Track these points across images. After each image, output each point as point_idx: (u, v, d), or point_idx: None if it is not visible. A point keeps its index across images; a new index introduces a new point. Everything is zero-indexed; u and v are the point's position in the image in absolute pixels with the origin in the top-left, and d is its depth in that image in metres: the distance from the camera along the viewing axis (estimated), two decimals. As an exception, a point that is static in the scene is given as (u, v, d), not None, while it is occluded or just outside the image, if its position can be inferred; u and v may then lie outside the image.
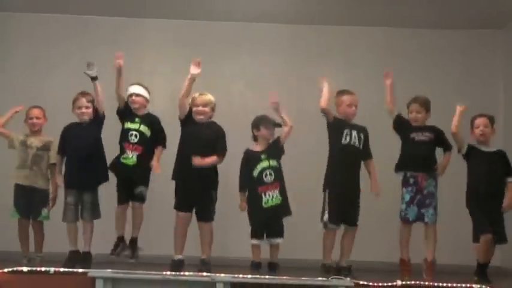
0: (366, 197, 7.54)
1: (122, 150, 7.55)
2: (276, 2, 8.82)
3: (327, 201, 7.42)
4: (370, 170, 7.56)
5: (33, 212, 7.70)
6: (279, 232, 7.49)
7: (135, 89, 7.64)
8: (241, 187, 7.53)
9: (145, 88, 7.70)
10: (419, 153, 7.44)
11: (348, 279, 6.72)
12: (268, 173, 7.42)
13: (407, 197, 7.42)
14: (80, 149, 7.48)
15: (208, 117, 7.50)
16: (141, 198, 7.52)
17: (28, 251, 7.75)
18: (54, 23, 9.23)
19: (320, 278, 6.69)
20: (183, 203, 7.37)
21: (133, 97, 7.61)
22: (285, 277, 6.68)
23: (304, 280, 6.62)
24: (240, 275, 6.64)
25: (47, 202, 7.72)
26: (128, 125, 7.57)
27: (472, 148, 7.40)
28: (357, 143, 7.47)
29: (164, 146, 7.60)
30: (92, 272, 6.59)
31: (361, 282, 6.65)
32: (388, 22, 9.04)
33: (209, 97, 7.51)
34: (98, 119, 7.61)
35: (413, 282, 6.75)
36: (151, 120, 7.62)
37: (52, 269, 6.63)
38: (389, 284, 6.65)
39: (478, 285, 6.77)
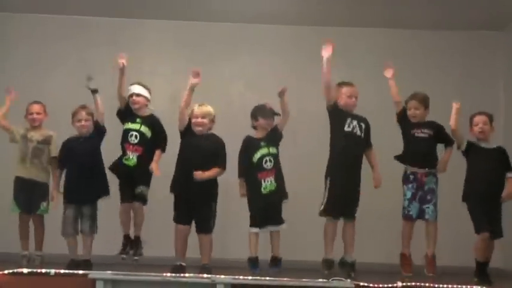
0: (366, 198, 7.55)
1: (124, 151, 7.54)
2: (275, 2, 8.82)
3: (327, 189, 7.43)
4: (372, 161, 7.58)
5: (33, 206, 7.72)
6: (278, 219, 7.53)
7: (136, 88, 7.63)
8: (240, 173, 7.57)
9: (146, 88, 7.68)
10: (419, 150, 7.49)
11: (349, 280, 6.72)
12: (268, 159, 7.47)
13: (408, 194, 7.46)
14: (80, 163, 7.49)
15: (208, 129, 7.47)
16: (142, 198, 7.51)
17: (27, 247, 7.76)
18: (54, 23, 9.22)
19: (320, 280, 6.69)
20: (182, 216, 7.35)
21: (134, 97, 7.60)
22: (285, 278, 6.68)
23: (305, 281, 6.62)
24: (241, 277, 6.64)
25: (46, 196, 7.74)
26: (129, 125, 7.56)
27: (472, 145, 7.41)
28: (358, 132, 7.49)
29: (163, 150, 7.57)
30: (93, 274, 6.59)
31: (361, 284, 6.65)
32: (389, 23, 9.03)
33: (208, 108, 7.48)
34: (98, 132, 7.60)
35: (413, 283, 6.73)
36: (153, 122, 7.61)
37: (52, 271, 6.64)
38: (390, 285, 6.64)
39: (479, 287, 6.78)
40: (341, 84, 7.59)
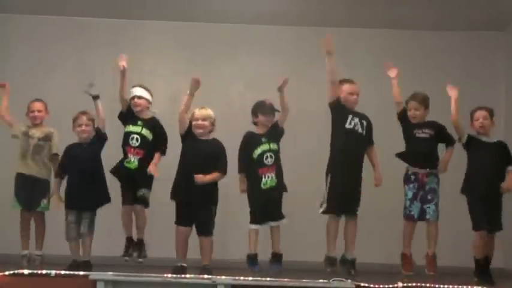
0: (367, 198, 7.55)
1: (125, 154, 7.54)
2: (275, 3, 8.82)
3: (328, 187, 7.43)
4: (373, 159, 7.59)
5: (33, 203, 7.74)
6: (278, 215, 7.54)
7: (137, 91, 7.64)
8: (240, 168, 7.59)
9: (148, 90, 7.68)
10: (420, 150, 7.50)
11: (349, 281, 6.70)
12: (269, 155, 7.51)
13: (410, 194, 7.47)
14: (81, 169, 7.48)
15: (208, 132, 7.46)
16: (144, 201, 7.52)
17: (28, 247, 7.78)
18: (54, 24, 9.23)
19: (321, 280, 6.67)
20: (183, 219, 7.34)
21: (136, 99, 7.60)
22: (285, 279, 6.67)
23: (305, 282, 6.60)
24: (241, 277, 6.62)
25: (47, 193, 7.75)
26: (130, 128, 7.57)
27: (472, 138, 7.43)
28: (360, 129, 7.49)
29: (163, 153, 7.57)
30: (93, 275, 6.58)
31: (362, 284, 6.63)
32: (389, 24, 9.03)
33: (209, 111, 7.47)
34: (99, 138, 7.60)
35: (414, 284, 6.73)
36: (154, 124, 7.62)
37: (53, 272, 6.62)
38: (391, 285, 6.62)
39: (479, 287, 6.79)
40: (342, 82, 7.59)
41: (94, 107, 7.56)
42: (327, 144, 7.57)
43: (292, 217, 7.76)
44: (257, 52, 9.26)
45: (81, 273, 6.70)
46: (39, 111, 7.85)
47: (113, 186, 7.63)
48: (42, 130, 7.85)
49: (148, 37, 9.29)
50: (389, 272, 7.62)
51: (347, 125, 7.45)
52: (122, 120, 7.66)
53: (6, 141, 7.99)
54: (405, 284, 6.67)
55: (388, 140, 7.72)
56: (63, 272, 6.71)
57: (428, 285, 6.69)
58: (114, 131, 7.70)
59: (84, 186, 7.43)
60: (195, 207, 7.29)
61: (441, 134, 7.55)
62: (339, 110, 7.51)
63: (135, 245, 7.58)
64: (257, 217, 7.50)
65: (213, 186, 7.40)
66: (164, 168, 7.51)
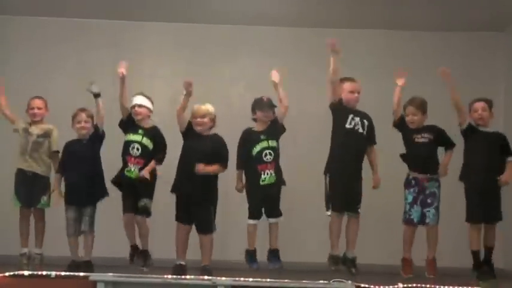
0: (367, 198, 7.54)
1: (125, 163, 7.52)
2: (275, 4, 8.81)
3: (327, 186, 7.43)
4: (372, 159, 7.58)
5: (33, 200, 7.75)
6: (277, 212, 7.55)
7: (138, 99, 7.61)
8: (238, 165, 7.61)
9: (149, 98, 7.66)
10: (419, 155, 7.50)
11: (349, 282, 6.70)
12: (268, 152, 7.51)
13: (410, 198, 7.48)
14: (80, 165, 7.54)
15: (209, 128, 7.51)
16: (145, 212, 7.48)
17: (27, 244, 7.78)
18: (54, 26, 9.22)
19: (321, 281, 6.67)
20: (182, 215, 7.39)
21: (136, 108, 7.58)
22: (286, 280, 6.66)
23: (305, 283, 6.60)
24: (241, 278, 6.62)
25: (47, 190, 7.77)
26: (130, 136, 7.55)
27: (472, 127, 7.48)
28: (360, 129, 7.47)
29: (159, 162, 7.55)
30: (93, 276, 6.58)
31: (362, 285, 6.62)
32: (389, 24, 9.03)
33: (207, 108, 7.51)
34: (97, 136, 7.66)
35: (414, 284, 6.73)
36: (154, 133, 7.59)
37: (53, 273, 6.63)
38: (391, 286, 6.62)
39: (480, 288, 6.82)
40: (343, 80, 7.58)
41: (93, 107, 7.58)
42: (326, 144, 7.57)
43: (293, 217, 7.77)
44: (257, 53, 9.26)
45: (82, 274, 6.71)
46: (39, 108, 7.87)
47: (113, 186, 7.63)
48: (41, 127, 7.86)
49: (148, 38, 9.29)
50: (389, 272, 7.62)
51: (347, 125, 7.44)
52: (123, 129, 7.65)
53: (6, 141, 8.01)
54: (405, 285, 6.66)
55: (388, 140, 7.71)
56: (63, 273, 6.73)
57: (428, 286, 6.68)
58: (113, 132, 7.70)
59: (83, 182, 7.49)
60: (194, 206, 7.33)
61: (440, 138, 7.55)
62: (340, 110, 7.49)
63: (139, 254, 7.56)
64: (255, 212, 7.51)
65: (212, 185, 7.44)
66: (164, 169, 7.52)
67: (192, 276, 6.77)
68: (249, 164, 7.56)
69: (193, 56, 9.12)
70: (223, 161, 7.46)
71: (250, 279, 6.64)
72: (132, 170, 7.48)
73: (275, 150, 7.56)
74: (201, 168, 7.31)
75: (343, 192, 7.38)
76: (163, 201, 7.58)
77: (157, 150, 7.56)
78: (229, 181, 7.59)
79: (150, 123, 7.67)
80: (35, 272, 6.71)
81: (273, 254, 7.58)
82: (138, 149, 7.50)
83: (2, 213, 8.09)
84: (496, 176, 7.36)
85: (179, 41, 9.25)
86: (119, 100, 7.60)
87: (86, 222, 7.49)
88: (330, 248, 7.45)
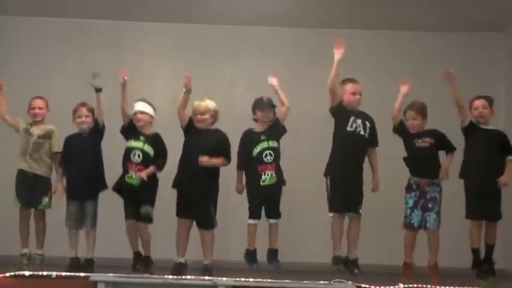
0: (368, 198, 7.53)
1: (126, 170, 7.49)
2: (275, 5, 8.81)
3: (328, 188, 7.42)
4: (372, 161, 7.56)
5: (34, 201, 7.75)
6: (277, 213, 7.55)
7: (140, 106, 7.58)
8: (239, 165, 7.62)
9: (151, 105, 7.63)
10: (420, 159, 7.48)
11: (350, 282, 6.71)
12: (268, 153, 7.50)
13: (410, 202, 7.46)
14: (81, 159, 7.58)
15: (210, 124, 7.52)
16: (147, 219, 7.45)
17: (27, 245, 7.77)
18: (54, 26, 9.22)
19: (322, 282, 6.67)
20: (183, 210, 7.42)
21: (138, 115, 7.54)
22: (286, 280, 6.66)
23: (306, 283, 6.61)
24: (242, 279, 6.62)
25: (48, 191, 7.78)
26: (132, 143, 7.51)
27: (472, 124, 7.49)
28: (362, 131, 7.45)
29: (159, 168, 7.50)
30: (94, 276, 6.58)
31: (363, 286, 6.63)
32: (389, 25, 9.03)
33: (207, 104, 7.52)
34: (97, 129, 7.68)
35: (415, 285, 6.73)
36: (155, 140, 7.54)
37: (54, 273, 6.63)
38: (392, 287, 6.63)
39: (479, 288, 6.83)
40: (345, 81, 7.56)
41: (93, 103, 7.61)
42: (326, 144, 7.56)
43: (293, 217, 7.76)
44: (257, 53, 9.26)
45: (82, 274, 6.71)
46: (40, 108, 7.87)
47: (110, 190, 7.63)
48: (42, 128, 7.86)
49: (148, 39, 9.29)
50: (390, 273, 7.62)
51: (348, 128, 7.42)
52: (124, 135, 7.62)
53: (6, 141, 8.01)
54: (406, 286, 6.67)
55: (388, 140, 7.70)
56: (64, 274, 6.73)
57: (429, 286, 6.70)
58: (113, 132, 7.71)
59: (84, 176, 7.54)
60: (195, 201, 7.34)
61: (441, 142, 7.53)
62: (341, 113, 7.47)
63: (142, 261, 7.53)
64: (255, 212, 7.51)
65: (214, 181, 7.47)
66: (165, 171, 7.52)
67: (193, 277, 6.77)
68: (250, 164, 7.55)
69: (193, 56, 9.13)
70: (226, 155, 7.49)
71: (251, 280, 6.64)
72: (133, 176, 7.45)
73: (275, 150, 7.55)
74: (205, 160, 7.33)
75: (344, 193, 7.36)
76: (163, 201, 7.57)
77: (157, 157, 7.53)
78: (230, 180, 7.59)
79: (151, 129, 7.64)
80: (36, 273, 6.71)
81: (272, 254, 7.58)
82: (139, 156, 7.46)
83: (3, 214, 8.08)
84: (495, 174, 7.36)
85: (179, 41, 9.25)
86: (120, 106, 7.57)
87: (90, 218, 7.54)
88: (333, 248, 7.42)
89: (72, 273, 6.78)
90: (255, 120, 7.68)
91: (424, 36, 9.16)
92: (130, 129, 7.58)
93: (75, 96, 7.98)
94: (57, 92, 8.78)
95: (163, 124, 7.76)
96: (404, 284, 6.70)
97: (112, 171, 7.70)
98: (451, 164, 7.50)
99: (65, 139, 7.75)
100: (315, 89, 8.46)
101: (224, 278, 6.60)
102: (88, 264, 7.45)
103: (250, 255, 7.54)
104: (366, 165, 7.55)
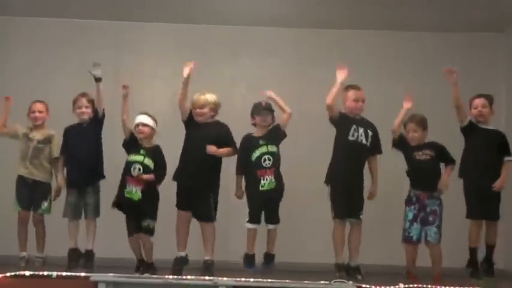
0: (367, 199, 7.54)
1: (124, 185, 7.42)
2: (275, 5, 8.80)
3: (329, 196, 7.43)
4: (372, 169, 7.54)
5: (33, 205, 7.77)
6: (276, 218, 7.55)
7: (142, 118, 7.53)
8: (238, 170, 7.63)
9: (152, 118, 7.58)
10: (421, 172, 7.48)
11: (351, 282, 6.71)
12: (267, 158, 7.49)
13: (410, 215, 7.44)
14: (80, 149, 7.61)
15: (210, 117, 7.54)
16: (149, 231, 7.40)
17: (25, 248, 7.79)
18: (54, 26, 9.21)
19: (322, 282, 6.67)
20: (182, 202, 7.43)
21: (140, 127, 7.50)
22: (287, 280, 6.66)
23: (307, 283, 6.61)
24: (243, 279, 6.63)
25: (48, 195, 7.79)
26: (132, 157, 7.44)
27: (472, 124, 7.49)
28: (364, 140, 7.43)
29: (157, 180, 7.45)
30: (94, 276, 6.57)
31: (363, 286, 6.64)
32: (389, 25, 9.02)
33: (206, 97, 7.54)
34: (97, 119, 7.71)
35: (415, 285, 6.73)
36: (155, 153, 7.48)
37: (54, 273, 6.63)
38: (392, 287, 6.63)
39: (480, 288, 6.84)
40: (347, 88, 7.53)
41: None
42: (326, 144, 7.57)
43: (293, 218, 7.75)
44: (257, 54, 9.26)
45: (83, 274, 6.71)
46: (40, 112, 7.89)
47: (112, 188, 7.63)
48: (42, 132, 7.87)
49: (148, 39, 9.29)
50: (390, 273, 7.63)
51: (350, 137, 7.40)
52: (126, 149, 7.57)
53: (7, 142, 8.00)
54: (406, 286, 6.67)
55: (388, 141, 7.70)
56: (64, 274, 6.72)
57: (429, 286, 6.70)
58: (113, 132, 7.72)
59: (83, 165, 7.58)
60: (195, 194, 7.36)
61: (441, 154, 7.52)
62: (341, 122, 7.45)
63: (145, 267, 7.49)
64: (254, 217, 7.51)
65: (215, 174, 7.49)
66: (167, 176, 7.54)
67: (193, 277, 6.77)
68: (249, 169, 7.55)
69: (194, 57, 8.97)
70: (232, 144, 7.52)
71: (251, 280, 6.65)
72: (134, 191, 7.37)
73: (274, 155, 7.53)
74: (213, 150, 7.35)
75: (345, 200, 7.34)
76: (163, 201, 7.56)
77: (157, 170, 7.46)
78: (230, 179, 7.60)
79: (152, 142, 7.59)
80: (36, 273, 6.70)
81: (268, 257, 7.60)
82: (140, 170, 7.39)
83: (2, 214, 8.08)
84: (494, 174, 7.37)
85: (179, 41, 9.24)
86: (121, 117, 7.55)
87: (91, 208, 7.61)
88: (335, 256, 7.40)
89: (73, 273, 6.78)
90: (254, 125, 7.68)
91: (424, 36, 9.16)
92: (131, 143, 7.54)
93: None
94: (57, 92, 8.79)
95: (163, 124, 7.75)
96: (404, 284, 6.71)
97: (112, 161, 7.73)
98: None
99: (65, 130, 7.78)
100: (315, 89, 8.47)
101: (225, 278, 6.60)
102: (88, 256, 7.49)
103: (249, 259, 7.54)
104: (367, 169, 7.55)
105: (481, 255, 7.51)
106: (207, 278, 6.74)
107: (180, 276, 6.77)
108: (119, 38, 9.19)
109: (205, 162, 7.39)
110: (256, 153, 7.50)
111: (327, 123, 7.56)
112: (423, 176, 7.45)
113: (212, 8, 8.86)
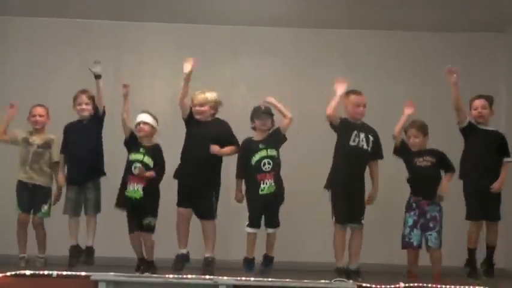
0: (366, 204, 7.53)
1: (125, 184, 7.43)
2: (275, 5, 8.79)
3: (330, 200, 7.41)
4: (373, 174, 7.52)
5: (33, 208, 7.76)
6: (274, 222, 7.54)
7: (143, 117, 7.55)
8: (238, 174, 7.63)
9: (154, 116, 7.60)
10: (421, 178, 7.49)
11: (351, 281, 6.72)
12: (266, 162, 7.48)
13: (410, 221, 7.46)
14: (81, 145, 7.62)
15: (210, 115, 7.55)
16: (150, 229, 7.42)
17: (25, 250, 7.78)
18: (54, 26, 9.20)
19: (322, 281, 6.69)
20: (183, 200, 7.43)
21: (141, 125, 7.51)
22: (287, 280, 6.68)
23: (306, 283, 6.62)
24: (243, 278, 6.64)
25: (48, 199, 7.79)
26: (132, 156, 7.47)
27: (471, 125, 7.49)
28: (365, 145, 7.42)
29: (157, 179, 7.47)
30: (95, 276, 6.59)
31: (363, 285, 6.66)
32: (389, 25, 9.01)
33: (206, 95, 7.55)
34: (97, 116, 7.72)
35: (416, 284, 6.74)
36: (155, 152, 7.50)
37: (55, 273, 6.65)
38: (392, 286, 6.65)
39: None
40: (349, 93, 7.50)
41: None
42: (327, 146, 7.57)
43: (293, 218, 7.74)
44: (258, 54, 9.25)
45: (83, 273, 6.71)
46: (40, 115, 7.88)
47: (112, 186, 7.64)
48: (42, 137, 7.86)
49: (148, 39, 9.28)
50: (391, 272, 7.63)
51: (351, 142, 7.38)
52: (127, 148, 7.58)
53: (8, 144, 8.01)
54: (407, 285, 6.68)
55: (388, 141, 7.70)
56: (64, 273, 6.73)
57: (430, 285, 6.71)
58: (113, 132, 7.73)
59: (83, 162, 7.59)
60: (195, 192, 7.36)
61: (442, 161, 7.52)
62: (342, 127, 7.44)
63: (145, 266, 7.50)
64: (254, 221, 7.50)
65: (215, 172, 7.50)
66: (166, 177, 7.54)
67: (194, 276, 6.78)
68: (249, 173, 7.54)
69: (194, 57, 9.09)
70: (235, 142, 7.53)
71: (252, 279, 6.67)
72: (136, 189, 7.38)
73: (274, 159, 7.52)
74: (216, 150, 7.36)
75: (346, 205, 7.33)
76: (163, 200, 7.57)
77: (155, 167, 7.48)
78: (230, 181, 7.60)
79: (152, 141, 7.60)
80: (37, 272, 6.72)
81: (267, 260, 7.60)
82: (140, 167, 7.41)
83: (3, 214, 8.08)
84: (494, 175, 7.38)
85: (179, 41, 9.23)
86: (121, 116, 7.56)
87: (92, 205, 7.61)
88: (335, 260, 7.37)
89: (73, 273, 6.78)
90: (254, 128, 7.68)
91: (424, 36, 9.15)
92: (131, 142, 7.56)
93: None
94: (57, 92, 8.78)
95: (164, 123, 7.76)
96: (405, 283, 6.71)
97: (112, 158, 7.76)
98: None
99: (65, 127, 7.79)
100: (315, 89, 8.48)
101: (225, 277, 6.62)
102: (88, 252, 7.50)
103: (248, 263, 7.53)
104: (368, 173, 7.55)
105: (480, 255, 7.52)
106: (207, 277, 6.75)
107: (180, 276, 6.77)
108: (119, 38, 9.18)
109: (206, 160, 7.40)
110: (256, 157, 7.49)
111: (327, 123, 7.56)
112: (423, 182, 7.45)
113: (212, 8, 8.85)
